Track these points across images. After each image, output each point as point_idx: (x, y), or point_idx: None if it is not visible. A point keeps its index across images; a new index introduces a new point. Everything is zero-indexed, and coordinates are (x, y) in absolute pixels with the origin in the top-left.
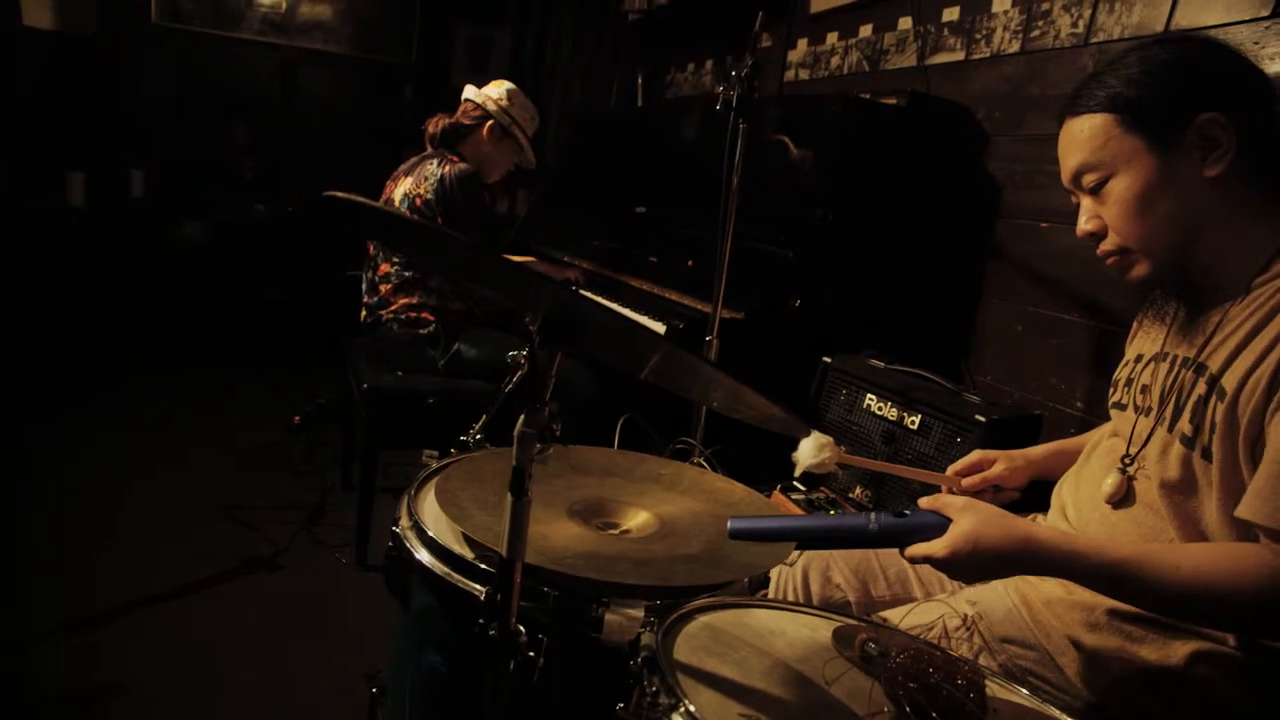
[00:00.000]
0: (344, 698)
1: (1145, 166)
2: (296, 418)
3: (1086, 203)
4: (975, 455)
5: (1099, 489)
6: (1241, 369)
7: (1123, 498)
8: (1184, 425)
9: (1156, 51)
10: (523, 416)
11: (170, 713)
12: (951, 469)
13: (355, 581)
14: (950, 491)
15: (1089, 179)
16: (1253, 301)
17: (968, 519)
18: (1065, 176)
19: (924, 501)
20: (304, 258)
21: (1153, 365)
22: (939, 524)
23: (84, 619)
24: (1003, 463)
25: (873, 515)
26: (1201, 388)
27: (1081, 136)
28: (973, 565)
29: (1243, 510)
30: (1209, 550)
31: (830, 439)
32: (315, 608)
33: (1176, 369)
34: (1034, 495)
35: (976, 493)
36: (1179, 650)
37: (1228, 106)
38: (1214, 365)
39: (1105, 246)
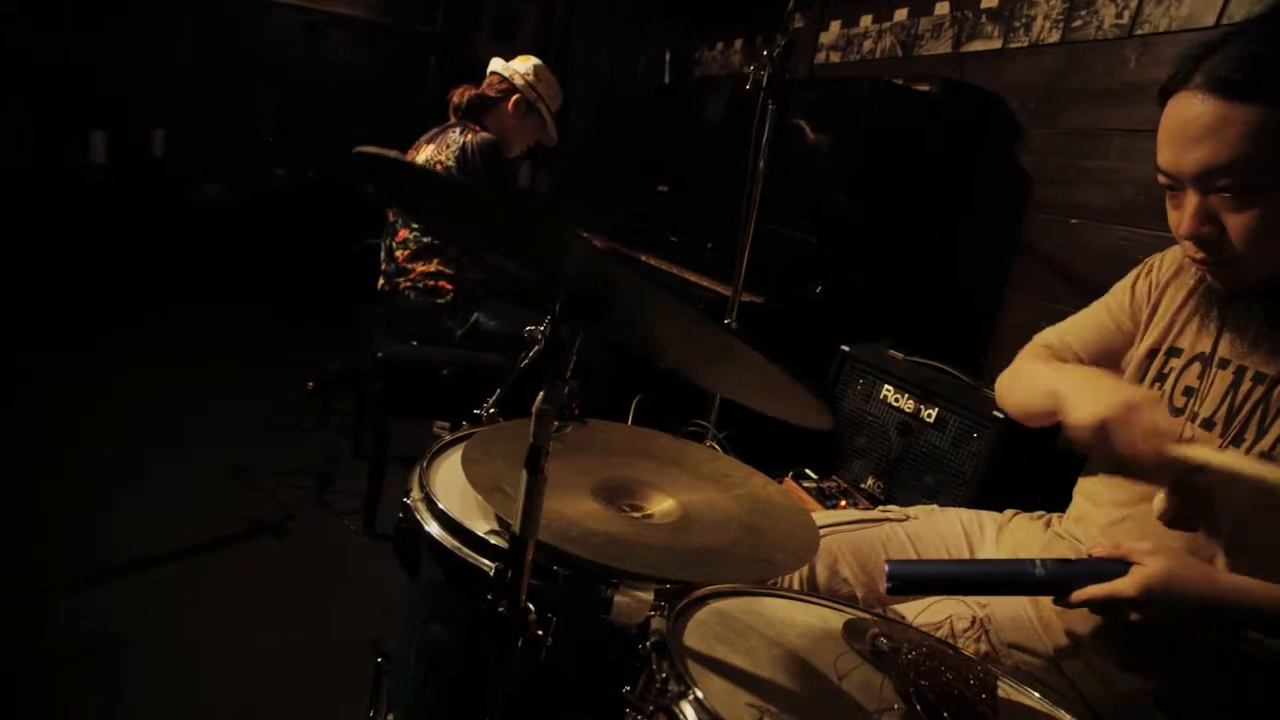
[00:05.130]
0: (349, 664)
1: None
2: (310, 383)
3: (1203, 201)
4: (1107, 550)
5: (1135, 495)
6: None
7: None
8: (1264, 445)
9: None
10: (541, 393)
11: (176, 672)
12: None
13: (363, 549)
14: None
15: (1225, 181)
16: None
17: (1159, 560)
18: (1182, 165)
19: (1101, 550)
20: (323, 224)
21: (1199, 367)
22: (1117, 569)
23: (92, 577)
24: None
25: (1038, 561)
26: None
27: (1232, 130)
28: (1166, 608)
29: None
30: None
31: None
32: (322, 573)
33: (1248, 382)
34: (1050, 493)
35: None
36: (1189, 662)
37: None
38: None
39: (1207, 254)
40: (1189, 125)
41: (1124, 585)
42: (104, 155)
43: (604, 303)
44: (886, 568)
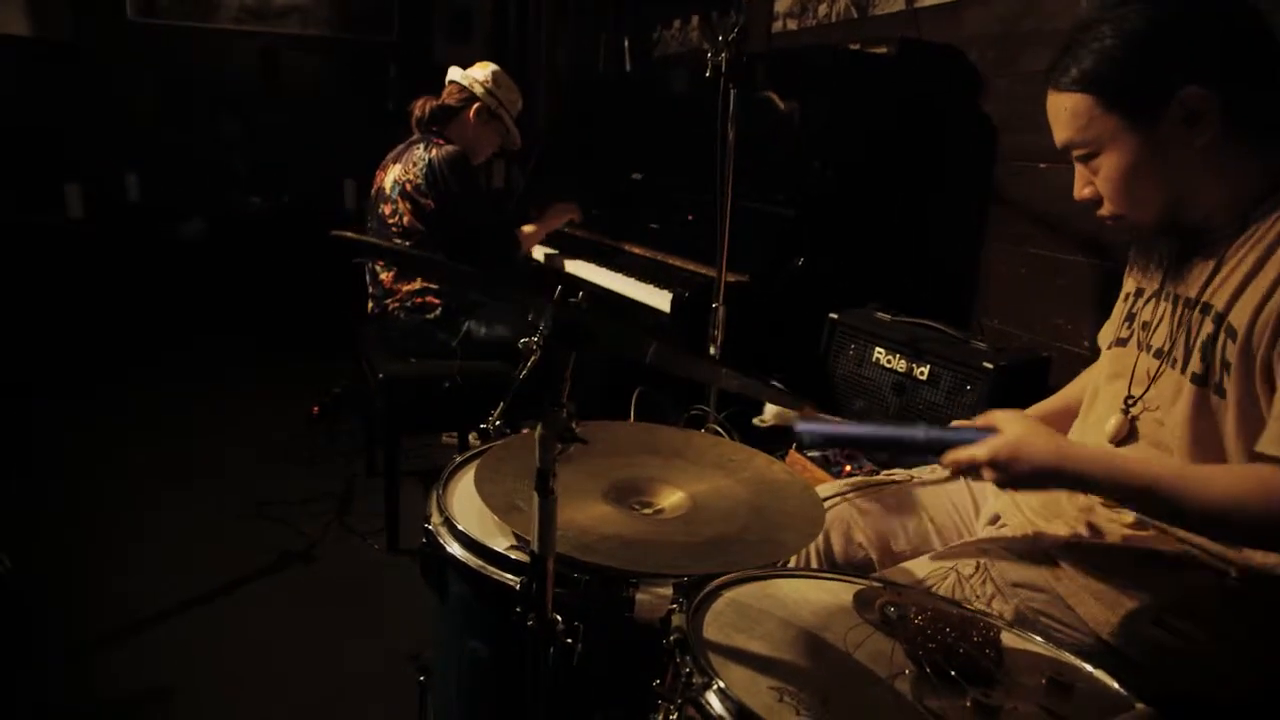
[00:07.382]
0: (393, 682)
1: (1130, 145)
2: (315, 409)
3: (1080, 170)
4: (982, 419)
5: (1102, 432)
6: (1249, 307)
7: (1125, 437)
8: (1195, 365)
9: (1131, 19)
10: (541, 422)
11: (223, 711)
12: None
13: (389, 566)
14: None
15: (1078, 152)
16: (1250, 238)
17: (1014, 427)
18: (1057, 144)
19: (977, 419)
20: (305, 247)
21: (1153, 303)
22: (983, 436)
23: (128, 625)
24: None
25: (923, 426)
26: (1209, 327)
27: (1065, 114)
28: (1012, 472)
29: (1262, 445)
30: (1237, 473)
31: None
32: (354, 595)
33: (1180, 309)
34: None
35: None
36: (1182, 584)
37: (1210, 75)
38: (1219, 304)
39: (1101, 212)
40: (1049, 111)
41: (977, 449)
42: (80, 209)
43: (588, 326)
44: (796, 428)
